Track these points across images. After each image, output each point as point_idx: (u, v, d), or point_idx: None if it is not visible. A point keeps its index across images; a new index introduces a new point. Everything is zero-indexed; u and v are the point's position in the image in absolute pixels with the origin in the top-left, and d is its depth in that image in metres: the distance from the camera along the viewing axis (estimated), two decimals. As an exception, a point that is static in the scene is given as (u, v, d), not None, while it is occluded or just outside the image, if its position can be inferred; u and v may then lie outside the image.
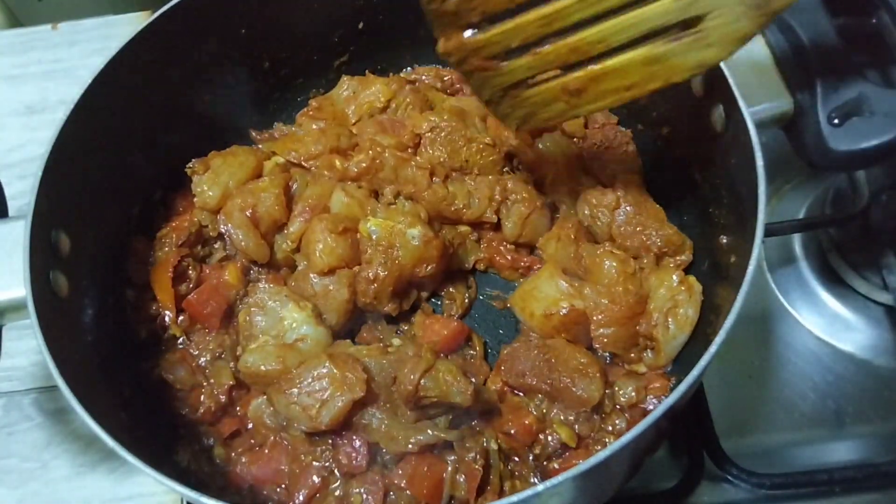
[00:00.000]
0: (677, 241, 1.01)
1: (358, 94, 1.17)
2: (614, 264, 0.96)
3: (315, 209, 1.04)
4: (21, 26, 1.52)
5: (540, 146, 1.08)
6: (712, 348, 0.70)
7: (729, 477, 1.03)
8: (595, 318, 0.95)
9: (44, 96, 1.41)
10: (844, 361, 1.13)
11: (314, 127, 1.14)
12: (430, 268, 1.01)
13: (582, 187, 1.06)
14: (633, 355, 0.97)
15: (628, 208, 1.02)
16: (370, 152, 1.07)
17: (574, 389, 0.92)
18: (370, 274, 0.98)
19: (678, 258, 1.01)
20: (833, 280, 1.17)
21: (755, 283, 1.15)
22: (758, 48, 0.88)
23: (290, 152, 1.10)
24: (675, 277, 0.96)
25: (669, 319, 0.95)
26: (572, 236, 1.01)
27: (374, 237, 0.99)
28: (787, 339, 1.15)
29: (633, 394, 0.94)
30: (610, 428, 0.93)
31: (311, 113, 1.17)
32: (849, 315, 1.16)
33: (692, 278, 0.97)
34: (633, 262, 0.98)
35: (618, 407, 0.94)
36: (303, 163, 1.09)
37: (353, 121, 1.16)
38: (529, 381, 0.95)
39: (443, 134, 1.08)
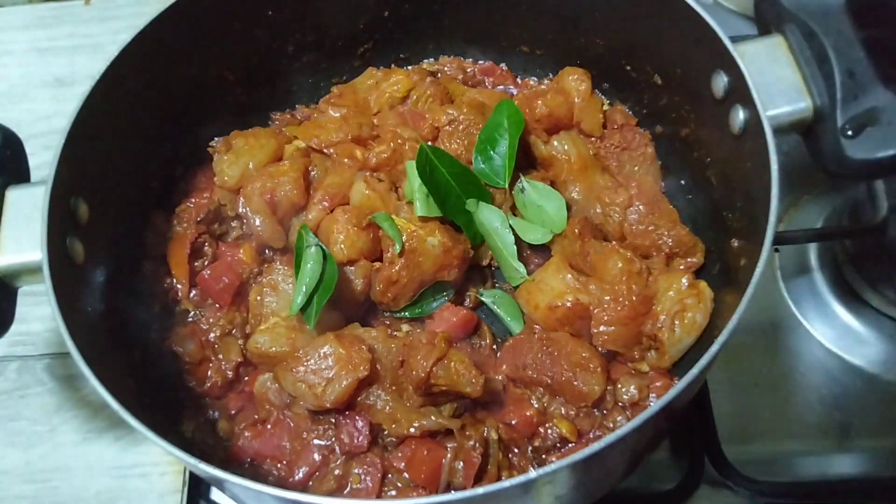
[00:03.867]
0: (689, 242, 1.01)
1: (380, 83, 1.17)
2: (619, 263, 0.96)
3: (335, 198, 1.04)
4: (54, 0, 1.55)
5: (555, 143, 1.08)
6: (714, 347, 0.70)
7: (728, 483, 1.02)
8: (597, 314, 0.95)
9: (73, 69, 1.44)
10: (853, 375, 1.13)
11: (335, 114, 1.15)
12: (452, 273, 1.02)
13: (596, 185, 1.06)
14: (635, 354, 0.97)
15: (641, 207, 1.02)
16: (391, 144, 1.07)
17: (575, 383, 0.92)
18: (392, 273, 0.99)
19: (689, 259, 1.01)
20: (846, 292, 1.16)
21: (768, 292, 1.18)
22: (780, 53, 0.88)
23: (312, 138, 1.11)
24: (684, 280, 0.96)
25: (676, 322, 0.94)
26: (577, 231, 1.01)
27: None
28: (797, 349, 1.15)
29: (636, 392, 0.94)
30: (611, 425, 0.93)
31: (332, 100, 1.18)
32: (860, 328, 1.15)
33: (703, 283, 0.97)
34: (638, 262, 0.97)
35: (619, 405, 0.94)
36: (323, 149, 1.10)
37: (375, 111, 1.16)
38: (531, 374, 0.95)
39: (461, 127, 1.08)
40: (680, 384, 0.68)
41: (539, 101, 1.10)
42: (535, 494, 0.70)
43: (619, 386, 0.95)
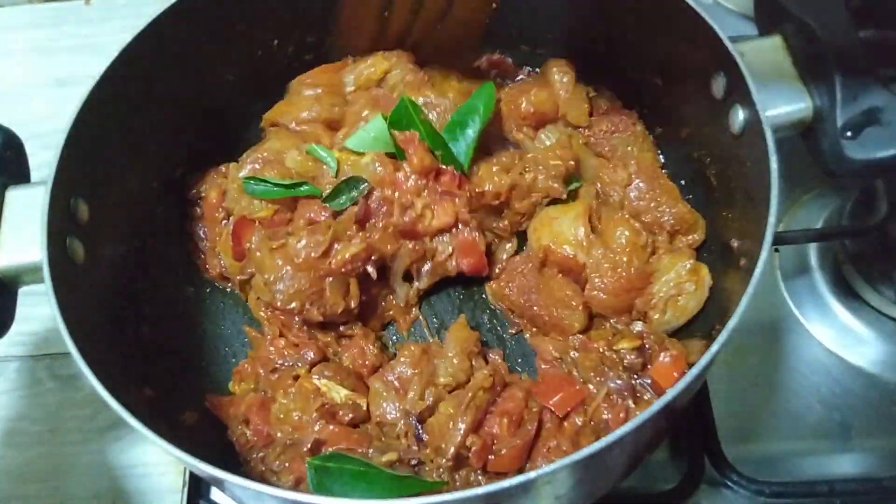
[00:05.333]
0: (690, 219, 1.01)
1: (358, 64, 1.15)
2: (626, 232, 0.97)
3: (268, 163, 1.05)
4: (55, 0, 1.55)
5: (542, 137, 1.08)
6: (714, 347, 0.70)
7: (728, 482, 1.02)
8: (593, 279, 0.97)
9: (73, 70, 1.44)
10: (853, 374, 1.12)
11: (310, 93, 1.13)
12: None
13: (592, 169, 1.07)
14: (622, 319, 0.99)
15: (641, 184, 1.02)
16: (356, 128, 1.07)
17: (554, 315, 0.97)
18: None
19: (690, 237, 1.02)
20: (846, 292, 1.16)
21: (768, 292, 1.18)
22: (780, 53, 0.88)
23: (284, 114, 1.11)
24: (687, 264, 0.97)
25: (668, 305, 0.96)
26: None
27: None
28: (797, 349, 1.15)
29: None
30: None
31: (307, 80, 1.15)
32: (860, 328, 1.15)
33: (704, 270, 0.97)
34: (645, 235, 0.98)
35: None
36: (294, 127, 1.10)
37: (351, 89, 1.14)
38: (518, 299, 0.99)
39: (436, 111, 1.06)
40: (680, 384, 0.68)
41: (523, 98, 1.10)
42: (534, 494, 0.70)
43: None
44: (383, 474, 0.84)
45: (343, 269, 0.96)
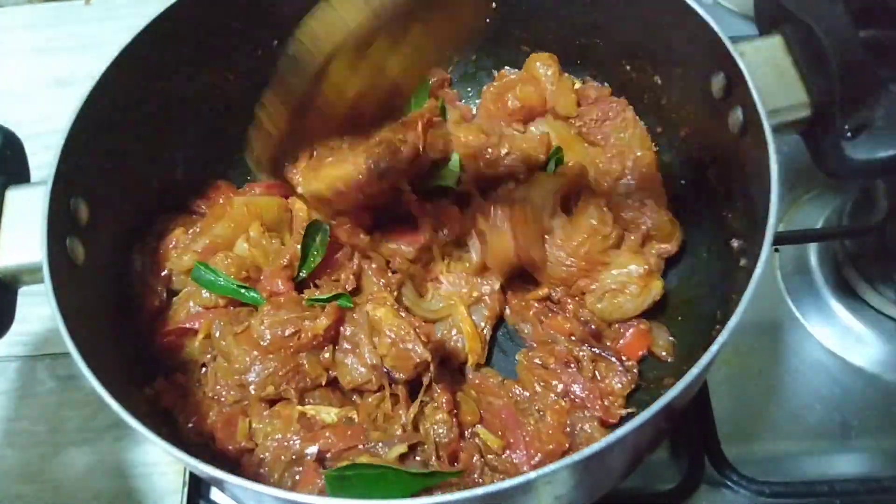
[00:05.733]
0: (667, 229, 1.01)
1: None
2: (593, 220, 0.99)
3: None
4: (54, 0, 1.55)
5: (532, 129, 1.08)
6: (714, 347, 0.70)
7: (728, 482, 1.03)
8: (550, 251, 1.00)
9: (73, 70, 1.44)
10: (853, 375, 1.13)
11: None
12: None
13: (587, 155, 1.08)
14: (561, 289, 1.03)
15: (632, 181, 1.03)
16: None
17: None
18: None
19: (662, 246, 1.02)
20: (846, 292, 1.17)
21: (768, 292, 1.18)
22: (780, 53, 0.88)
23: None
24: (642, 268, 0.98)
25: (606, 296, 0.99)
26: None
27: None
28: (797, 349, 1.15)
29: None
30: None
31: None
32: (860, 328, 1.15)
33: (658, 284, 0.99)
34: (611, 228, 0.99)
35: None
36: None
37: None
38: None
39: None
40: (680, 384, 0.68)
41: (509, 95, 1.10)
42: (534, 494, 0.70)
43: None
44: (401, 474, 0.84)
45: (315, 343, 0.93)
